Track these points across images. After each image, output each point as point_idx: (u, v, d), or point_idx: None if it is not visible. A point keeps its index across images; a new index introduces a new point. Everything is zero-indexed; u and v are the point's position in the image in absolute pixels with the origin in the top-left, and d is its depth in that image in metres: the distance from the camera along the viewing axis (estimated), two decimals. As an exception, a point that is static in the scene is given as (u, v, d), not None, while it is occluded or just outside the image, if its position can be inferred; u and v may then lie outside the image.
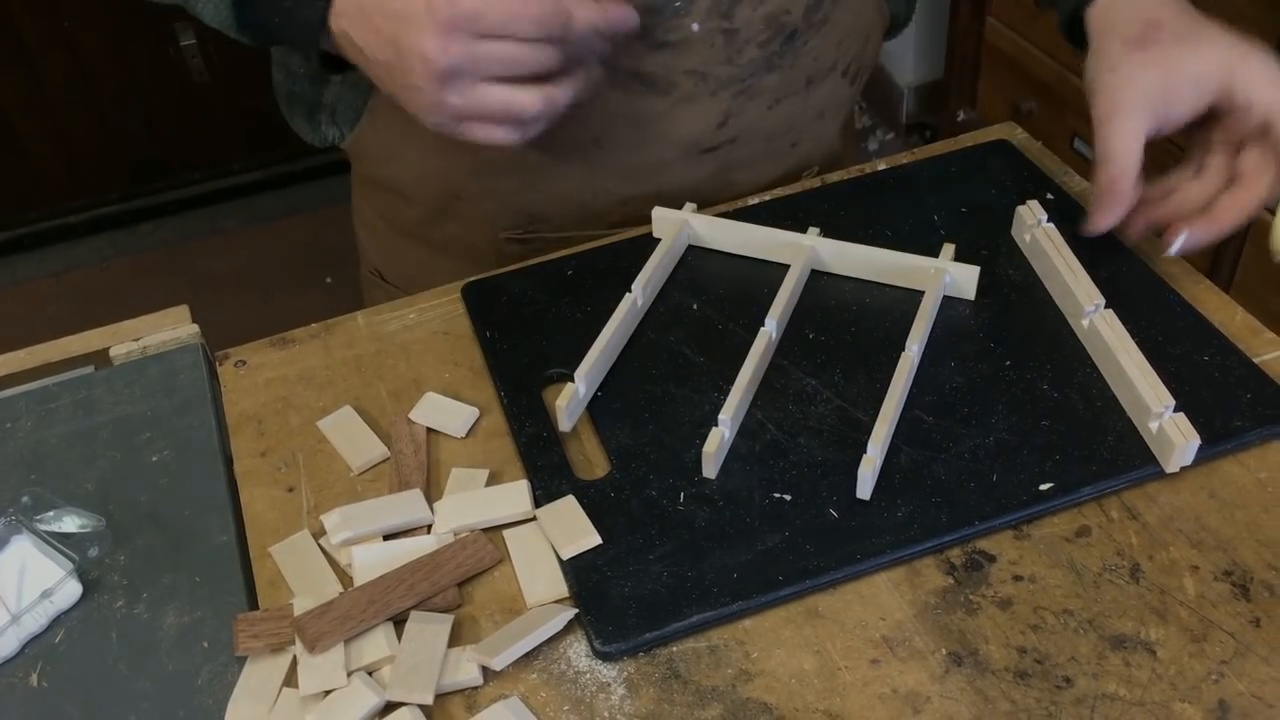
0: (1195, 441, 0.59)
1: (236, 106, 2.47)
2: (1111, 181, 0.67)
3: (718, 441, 0.62)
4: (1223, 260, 1.64)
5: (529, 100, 0.63)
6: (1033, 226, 0.73)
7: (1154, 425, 0.61)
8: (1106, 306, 0.67)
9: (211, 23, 0.70)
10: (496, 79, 0.62)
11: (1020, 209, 0.74)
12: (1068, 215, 0.76)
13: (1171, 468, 0.60)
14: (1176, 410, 0.60)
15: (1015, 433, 0.63)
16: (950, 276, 0.71)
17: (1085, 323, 0.67)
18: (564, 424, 0.66)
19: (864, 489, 0.60)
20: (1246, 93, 0.65)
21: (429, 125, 0.65)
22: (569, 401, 0.65)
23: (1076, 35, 0.74)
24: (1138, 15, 0.69)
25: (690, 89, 0.76)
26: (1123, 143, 0.66)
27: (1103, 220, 0.69)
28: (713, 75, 0.76)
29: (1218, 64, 0.66)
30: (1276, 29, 1.44)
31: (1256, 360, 0.66)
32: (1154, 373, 0.62)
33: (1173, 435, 0.59)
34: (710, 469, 0.62)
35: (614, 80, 0.75)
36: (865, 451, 0.60)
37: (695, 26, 0.73)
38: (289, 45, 0.71)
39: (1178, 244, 0.67)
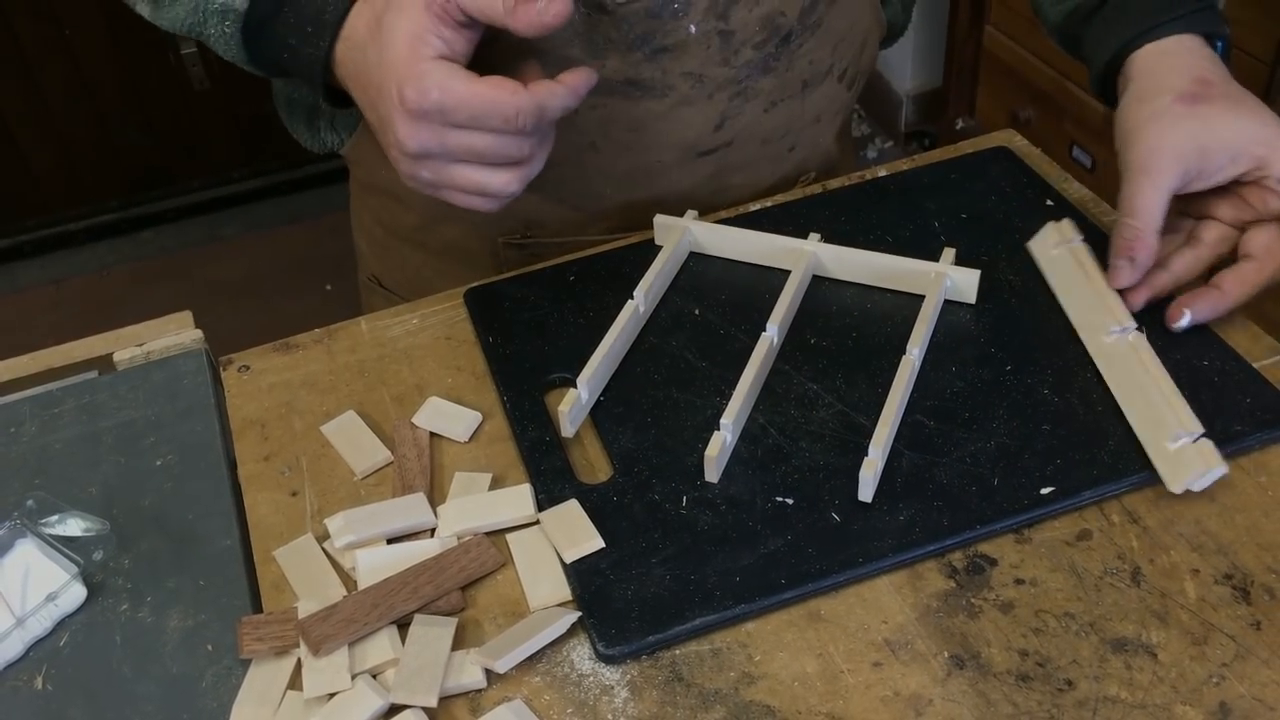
0: (1219, 470, 0.59)
1: (236, 114, 2.47)
2: (1135, 238, 0.66)
3: (720, 446, 0.62)
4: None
5: (501, 181, 0.64)
6: (1061, 244, 0.73)
7: (1172, 445, 0.60)
8: (1139, 329, 0.67)
9: (225, 55, 0.71)
10: (468, 162, 0.63)
11: (1051, 225, 0.74)
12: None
13: (1178, 489, 0.60)
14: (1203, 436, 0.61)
15: (1016, 437, 0.63)
16: (951, 281, 0.71)
17: (1109, 339, 0.66)
18: (567, 429, 0.66)
19: (866, 492, 0.60)
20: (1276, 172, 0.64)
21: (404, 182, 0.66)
22: (572, 406, 0.65)
23: (1109, 88, 0.73)
24: (1189, 70, 0.67)
25: (687, 91, 0.76)
26: (1153, 200, 0.65)
27: (1122, 280, 0.67)
28: (709, 77, 0.76)
29: (1262, 136, 0.65)
30: (1275, 34, 1.45)
31: (1256, 366, 0.66)
32: (1181, 397, 0.62)
33: (1193, 460, 0.59)
34: (712, 473, 0.62)
35: (611, 86, 0.75)
36: (867, 455, 0.60)
37: (692, 28, 0.74)
38: (299, 80, 0.71)
39: (1185, 320, 0.66)
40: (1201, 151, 0.65)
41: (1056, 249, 0.73)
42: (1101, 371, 0.66)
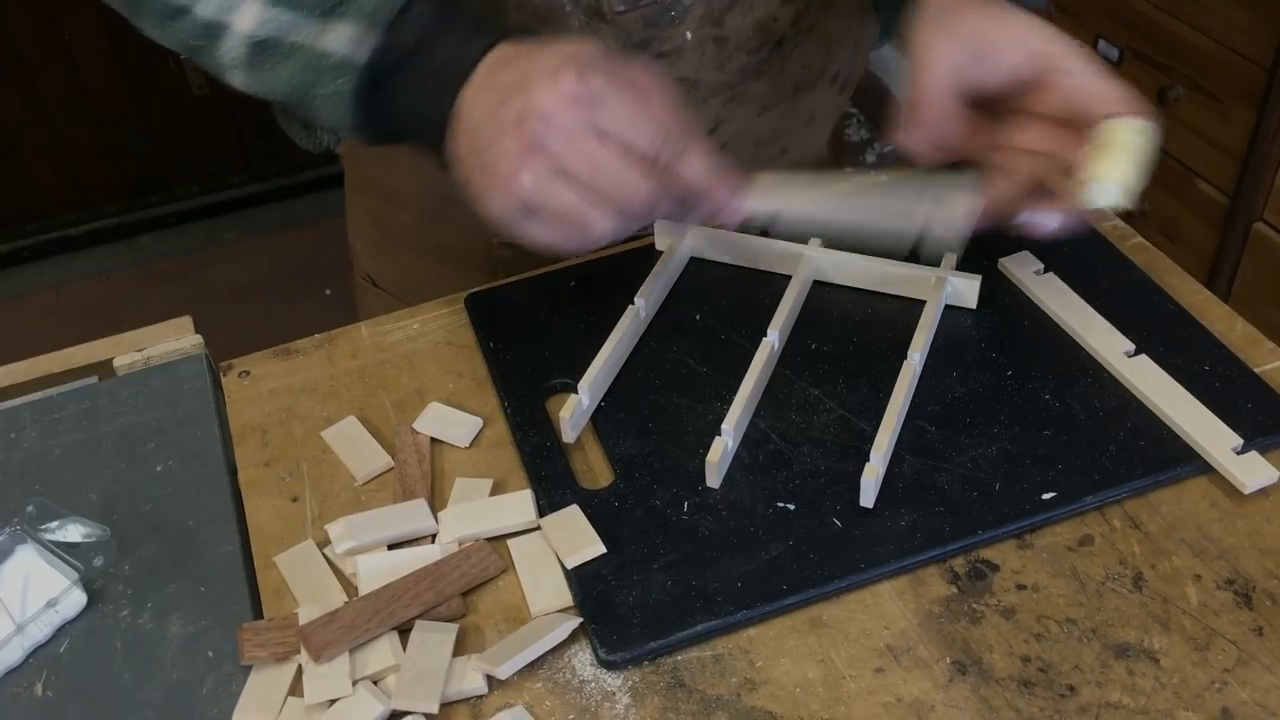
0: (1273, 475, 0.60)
1: (236, 120, 2.47)
2: (917, 100, 0.63)
3: (721, 451, 0.62)
4: (1220, 273, 1.65)
5: (601, 220, 0.59)
6: (1029, 277, 0.72)
7: (1236, 451, 0.61)
8: (1137, 352, 0.66)
9: (325, 119, 0.65)
10: (576, 189, 0.59)
11: (1005, 263, 0.73)
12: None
13: (1251, 489, 0.60)
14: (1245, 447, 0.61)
15: (1017, 442, 0.63)
16: (952, 286, 0.71)
17: (1130, 359, 0.66)
18: (568, 435, 0.66)
19: (867, 498, 0.60)
20: (1068, 66, 0.62)
21: (490, 211, 0.60)
22: (573, 412, 0.65)
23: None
24: None
25: (681, 96, 0.77)
26: (939, 66, 0.62)
27: (908, 139, 0.63)
28: (704, 82, 0.77)
29: (1041, 32, 0.62)
30: (1272, 40, 1.45)
31: (1257, 370, 0.66)
32: (1209, 412, 0.63)
33: (1246, 474, 0.60)
34: (714, 479, 0.62)
35: None
36: (868, 461, 0.60)
37: (688, 35, 0.74)
38: (412, 142, 0.66)
39: (1053, 224, 0.64)
40: (987, 39, 0.62)
41: (1035, 273, 0.72)
42: (1130, 385, 0.65)
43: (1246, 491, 0.60)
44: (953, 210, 0.63)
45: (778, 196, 0.64)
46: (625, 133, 0.58)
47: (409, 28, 0.62)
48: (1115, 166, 0.59)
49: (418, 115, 0.62)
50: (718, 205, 0.62)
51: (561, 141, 0.57)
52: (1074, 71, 0.62)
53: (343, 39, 0.62)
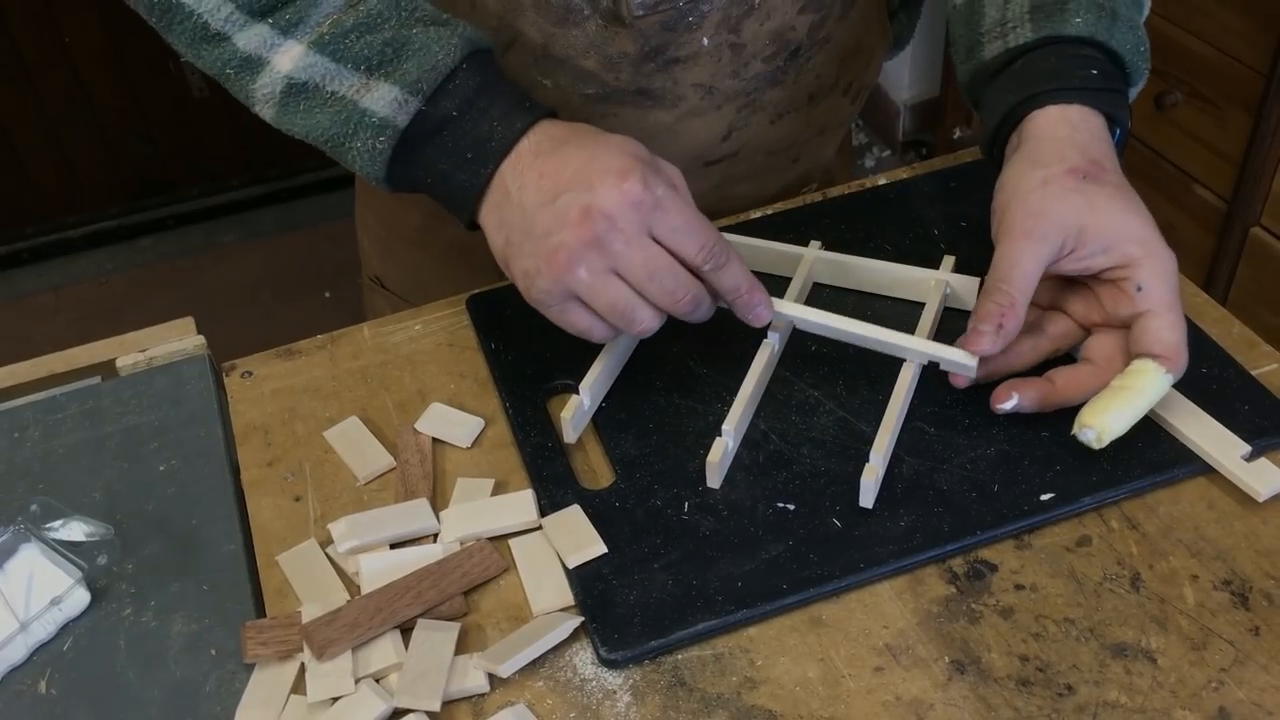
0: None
1: (236, 122, 2.48)
2: (1009, 306, 0.61)
3: (721, 452, 0.62)
4: (1218, 277, 1.65)
5: (647, 317, 0.62)
6: None
7: (1245, 459, 0.61)
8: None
9: (355, 167, 0.65)
10: (629, 280, 0.61)
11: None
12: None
13: (1265, 495, 0.61)
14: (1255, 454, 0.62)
15: (1016, 443, 0.63)
16: (951, 288, 0.71)
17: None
18: (569, 435, 0.66)
19: (867, 498, 0.61)
20: (1144, 279, 0.61)
21: (534, 291, 0.62)
22: (574, 413, 0.66)
23: (999, 144, 0.69)
24: (1086, 148, 0.64)
25: (697, 102, 0.77)
26: (1031, 266, 0.61)
27: (983, 346, 0.62)
28: (719, 89, 0.77)
29: (1139, 235, 0.61)
30: (1269, 45, 1.45)
31: (1254, 373, 0.66)
32: (1214, 421, 0.63)
33: (1259, 481, 0.60)
34: (714, 479, 0.63)
35: (622, 96, 0.76)
36: (868, 461, 0.61)
37: (705, 41, 0.74)
38: (435, 200, 0.66)
39: (1010, 404, 0.63)
40: (1081, 230, 0.61)
41: None
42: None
43: (1261, 500, 0.60)
44: (958, 358, 0.64)
45: (798, 310, 0.67)
46: (679, 241, 0.61)
47: (452, 99, 0.63)
48: (1116, 417, 0.60)
49: (451, 180, 0.64)
50: (750, 310, 0.64)
51: (622, 243, 0.60)
52: (1150, 293, 0.61)
53: (385, 100, 0.63)
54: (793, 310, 0.67)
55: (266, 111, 0.66)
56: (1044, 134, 0.65)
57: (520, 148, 0.62)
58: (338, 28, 0.63)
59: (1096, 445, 0.61)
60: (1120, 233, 0.61)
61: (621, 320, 0.62)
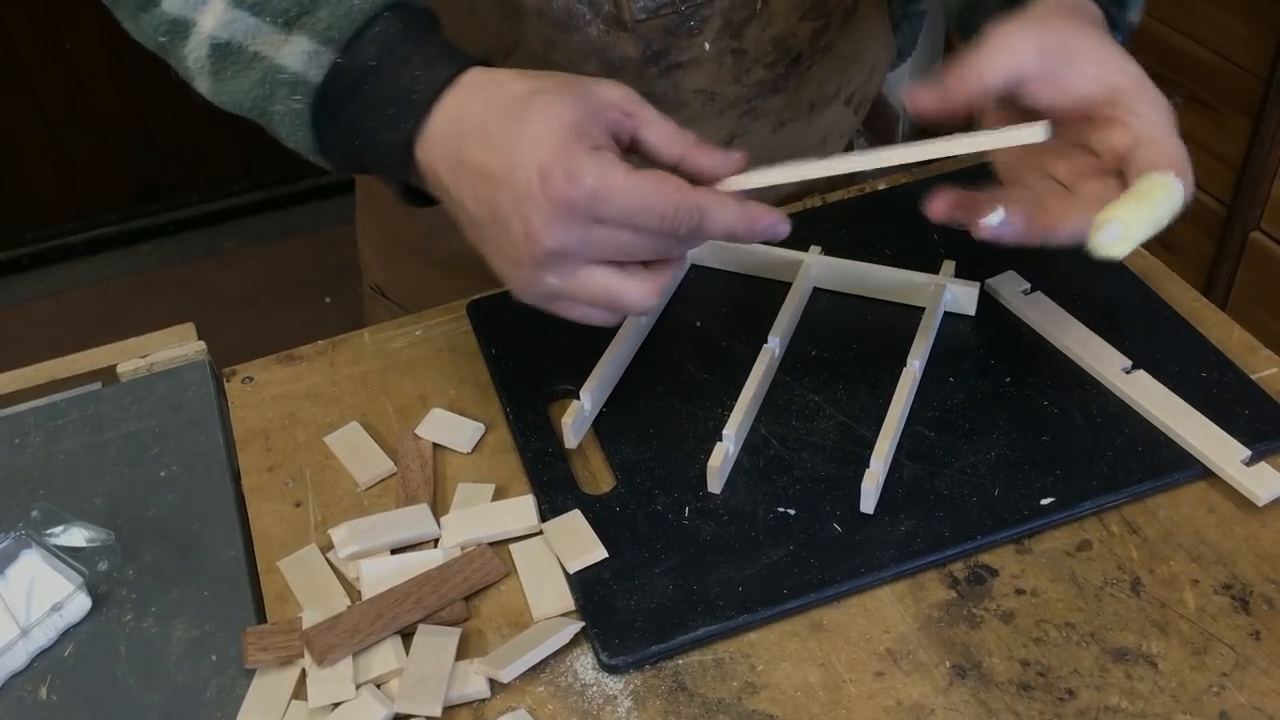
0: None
1: (236, 128, 2.46)
2: (965, 68, 0.57)
3: (722, 456, 0.62)
4: (1217, 281, 1.65)
5: (637, 293, 0.56)
6: (1016, 297, 0.72)
7: (1245, 463, 0.61)
8: (1134, 366, 0.67)
9: (289, 139, 0.60)
10: (604, 263, 0.55)
11: (991, 283, 0.72)
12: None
13: (1264, 500, 0.60)
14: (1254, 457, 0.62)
15: (1016, 448, 0.63)
16: (950, 293, 0.72)
17: (1128, 375, 0.66)
18: (570, 440, 0.66)
19: (867, 503, 0.61)
20: (1142, 108, 0.58)
21: (516, 296, 0.58)
22: (575, 418, 0.66)
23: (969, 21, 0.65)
24: (1075, 9, 0.61)
25: (699, 108, 0.77)
26: (1003, 50, 0.57)
27: (924, 102, 0.57)
28: (721, 95, 0.77)
29: (1128, 70, 0.58)
30: (1268, 50, 1.46)
31: (1254, 377, 0.66)
32: (1214, 425, 0.63)
33: (1259, 486, 0.60)
34: (715, 484, 0.63)
35: None
36: (868, 466, 0.61)
37: (706, 46, 0.74)
38: (376, 173, 0.60)
39: (995, 219, 0.58)
40: (1066, 48, 0.57)
41: (1023, 294, 0.72)
42: (1131, 400, 0.65)
43: (1261, 504, 0.60)
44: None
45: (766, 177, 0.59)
46: (635, 221, 0.54)
47: (370, 46, 0.57)
48: (1133, 214, 0.56)
49: (377, 141, 0.57)
50: (762, 237, 0.58)
51: (576, 244, 0.54)
52: (1144, 117, 0.58)
53: (298, 54, 0.57)
54: (758, 179, 0.59)
55: (203, 84, 0.61)
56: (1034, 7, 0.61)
57: (433, 125, 0.56)
58: None
59: (1120, 247, 0.56)
60: (1110, 64, 0.58)
61: (612, 308, 0.57)
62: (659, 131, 0.57)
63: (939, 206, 0.60)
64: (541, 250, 0.53)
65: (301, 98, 0.58)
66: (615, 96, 0.56)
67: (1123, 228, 0.55)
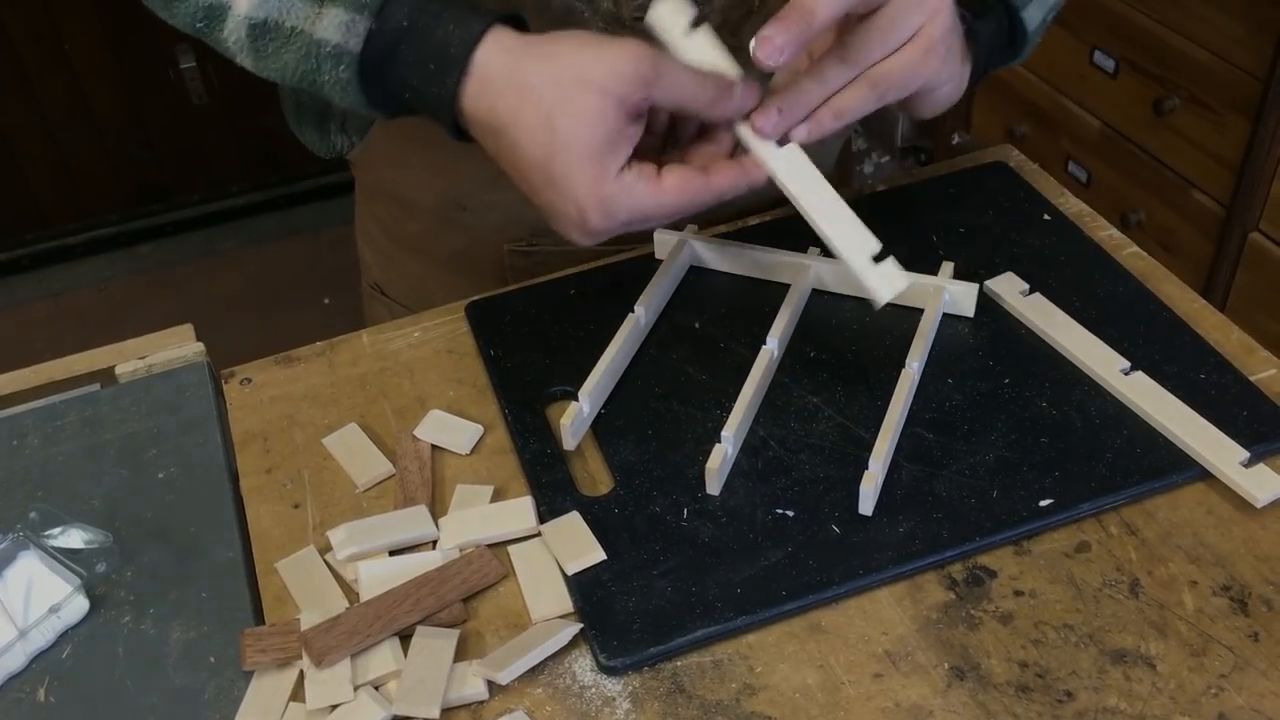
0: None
1: (235, 129, 2.48)
2: (803, 10, 0.58)
3: (721, 458, 0.62)
4: (1216, 282, 1.65)
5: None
6: (1015, 299, 0.72)
7: (1244, 465, 0.61)
8: (1133, 368, 0.67)
9: (341, 101, 0.64)
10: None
11: (990, 284, 0.73)
12: (1066, 235, 0.77)
13: (1263, 502, 0.60)
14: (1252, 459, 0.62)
15: (1015, 449, 0.63)
16: (949, 294, 0.72)
17: (1126, 377, 0.66)
18: (568, 442, 0.66)
19: (866, 505, 0.61)
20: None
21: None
22: (573, 420, 0.66)
23: None
24: None
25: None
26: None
27: (767, 49, 0.58)
28: None
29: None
30: (1267, 51, 1.46)
31: (1252, 378, 0.66)
32: (1212, 427, 0.63)
33: (1257, 487, 0.60)
34: (713, 485, 0.63)
35: None
36: (867, 468, 0.61)
37: None
38: (428, 117, 0.64)
39: (770, 119, 0.61)
40: None
41: (1022, 295, 0.72)
42: (1129, 402, 0.65)
43: (1259, 506, 0.60)
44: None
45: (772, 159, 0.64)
46: (665, 220, 0.61)
47: (400, 9, 0.61)
48: None
49: (424, 94, 0.61)
50: (755, 178, 0.62)
51: (617, 229, 0.60)
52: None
53: (335, 26, 0.61)
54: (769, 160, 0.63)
55: (247, 61, 0.65)
56: None
57: (481, 66, 0.59)
58: None
59: None
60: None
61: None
62: (677, 93, 0.59)
63: (766, 124, 0.62)
64: (582, 236, 0.60)
65: (347, 67, 0.61)
66: (630, 71, 0.58)
67: None
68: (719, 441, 0.63)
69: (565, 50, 0.59)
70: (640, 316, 0.72)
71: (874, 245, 0.62)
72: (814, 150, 0.86)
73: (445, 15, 0.60)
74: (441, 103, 0.61)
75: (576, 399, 0.66)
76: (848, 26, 0.62)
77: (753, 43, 0.58)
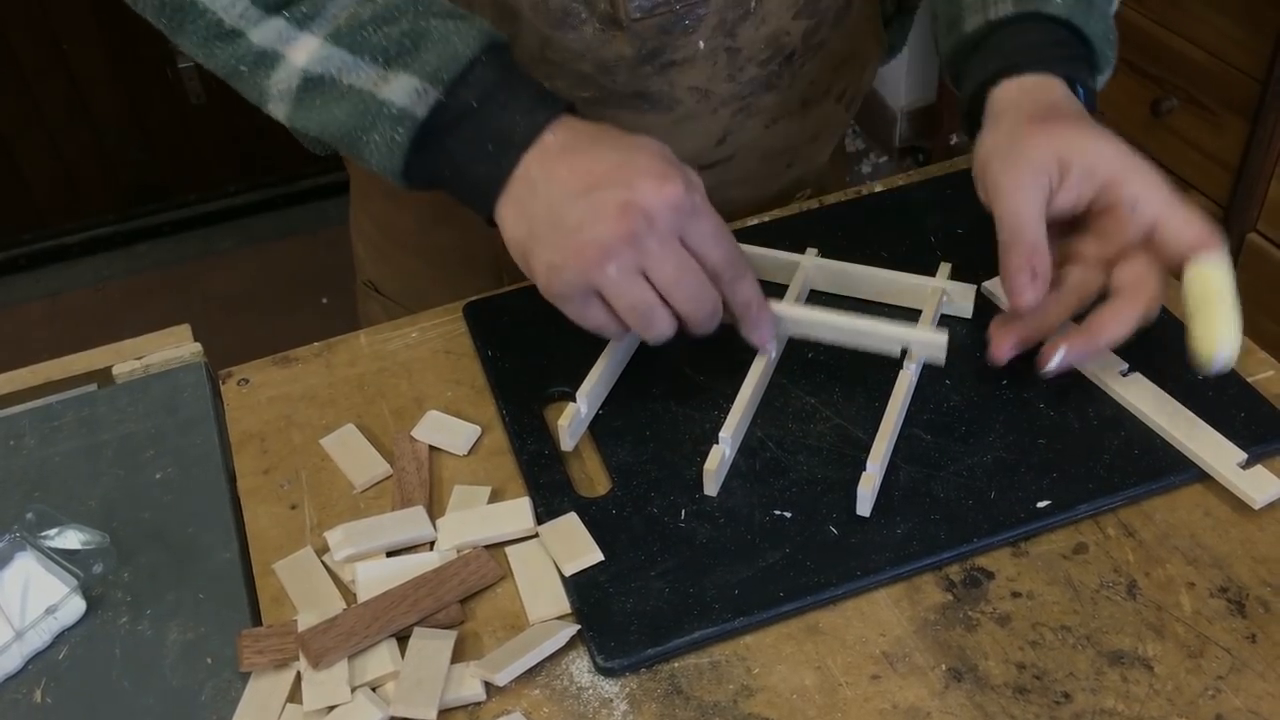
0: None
1: (233, 129, 2.48)
2: (1031, 251, 0.62)
3: (719, 459, 0.62)
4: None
5: (664, 323, 0.62)
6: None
7: (1242, 467, 0.61)
8: (1131, 370, 0.66)
9: (372, 162, 0.65)
10: (656, 282, 0.61)
11: (988, 286, 0.73)
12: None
13: (1260, 503, 0.60)
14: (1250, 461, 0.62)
15: (1013, 451, 0.63)
16: (947, 295, 0.72)
17: (1125, 378, 0.66)
18: (566, 443, 0.66)
19: (863, 506, 0.61)
20: (1134, 192, 0.62)
21: (556, 284, 0.62)
22: (571, 420, 0.66)
23: (974, 124, 0.70)
24: (1043, 102, 0.65)
25: (692, 106, 0.77)
26: (1031, 211, 0.62)
27: (1026, 296, 0.62)
28: (714, 93, 0.77)
29: (1112, 156, 0.62)
30: (1265, 51, 1.46)
31: (1250, 380, 0.67)
32: (1210, 428, 0.63)
33: (1255, 489, 0.60)
34: (711, 486, 0.63)
35: (619, 99, 0.76)
36: (864, 469, 0.61)
37: (701, 44, 0.75)
38: (450, 193, 0.66)
39: (1056, 360, 0.63)
40: (1060, 162, 0.62)
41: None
42: (1127, 403, 0.65)
43: (1257, 507, 0.60)
44: (934, 342, 0.67)
45: (801, 312, 0.69)
46: (707, 247, 0.62)
47: (472, 89, 0.62)
48: (1225, 325, 0.60)
49: (471, 173, 0.63)
50: (756, 328, 0.66)
51: (656, 243, 0.60)
52: (1143, 199, 0.62)
53: (404, 91, 0.62)
54: (795, 312, 0.68)
55: (280, 108, 0.66)
56: (1004, 103, 0.67)
57: (545, 141, 0.62)
58: (355, 20, 0.63)
59: (1231, 365, 0.61)
60: (1097, 155, 0.62)
61: (640, 323, 0.62)
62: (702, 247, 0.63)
63: (1002, 352, 0.65)
64: (634, 222, 0.59)
65: (405, 131, 0.62)
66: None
67: (1230, 346, 0.60)
68: (717, 442, 0.63)
69: (625, 139, 0.62)
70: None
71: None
72: (807, 148, 0.86)
73: (514, 103, 0.63)
74: (490, 182, 0.63)
75: (574, 400, 0.66)
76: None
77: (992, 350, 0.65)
